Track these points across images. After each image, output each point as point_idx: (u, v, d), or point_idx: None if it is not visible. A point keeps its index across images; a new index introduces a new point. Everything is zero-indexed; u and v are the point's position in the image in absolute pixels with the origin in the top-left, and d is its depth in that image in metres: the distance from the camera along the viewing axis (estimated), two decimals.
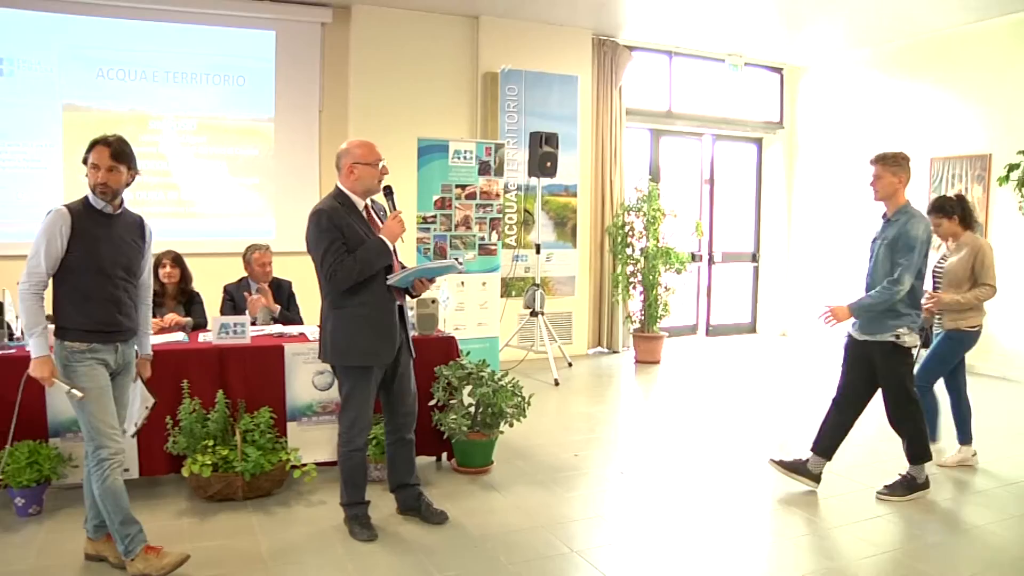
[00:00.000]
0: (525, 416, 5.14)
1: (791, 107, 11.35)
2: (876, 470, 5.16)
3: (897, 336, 4.53)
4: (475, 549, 3.97)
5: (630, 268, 9.53)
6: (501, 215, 7.48)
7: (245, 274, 5.89)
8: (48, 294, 3.46)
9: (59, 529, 4.08)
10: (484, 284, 7.28)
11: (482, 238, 7.25)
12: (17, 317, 4.76)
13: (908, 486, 4.74)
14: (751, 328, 11.80)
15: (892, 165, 4.64)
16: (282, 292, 5.91)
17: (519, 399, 5.10)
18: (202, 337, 5.00)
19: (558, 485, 4.92)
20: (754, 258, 11.70)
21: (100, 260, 3.45)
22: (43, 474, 4.20)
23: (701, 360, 9.64)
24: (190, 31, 8.11)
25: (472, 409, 5.05)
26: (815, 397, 7.15)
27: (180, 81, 8.14)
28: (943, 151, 9.13)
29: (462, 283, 7.10)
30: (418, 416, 4.40)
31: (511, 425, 5.13)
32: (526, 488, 4.87)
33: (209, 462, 4.38)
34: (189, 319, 5.46)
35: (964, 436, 5.43)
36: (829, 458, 4.88)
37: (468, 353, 5.30)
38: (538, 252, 8.51)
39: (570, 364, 8.83)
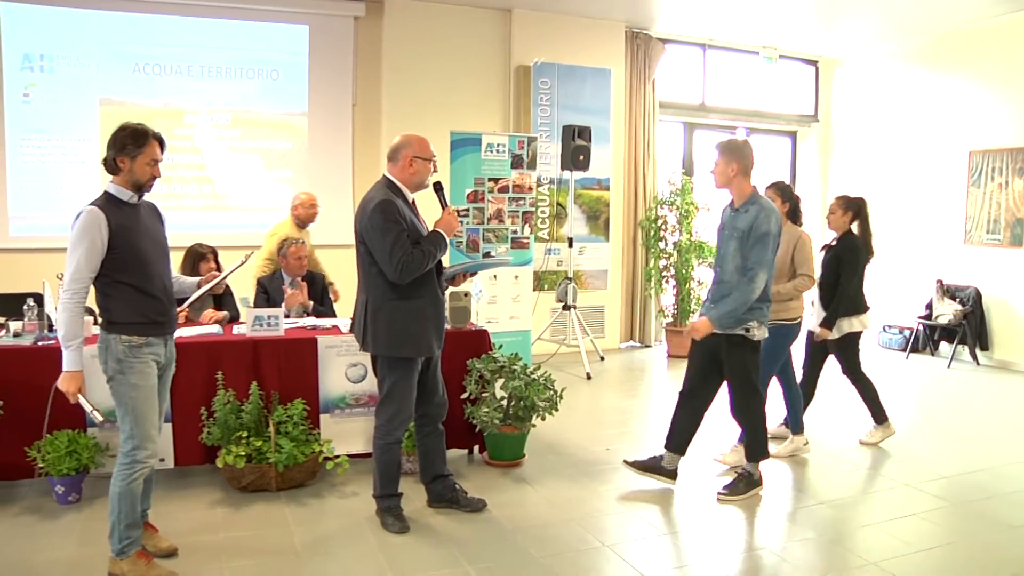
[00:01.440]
0: (557, 410, 5.13)
1: (826, 100, 11.20)
2: (910, 467, 5.10)
3: (747, 330, 4.40)
4: (506, 542, 3.97)
5: (663, 262, 9.48)
6: (534, 208, 7.47)
7: (279, 267, 5.92)
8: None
9: (98, 516, 4.12)
10: (516, 278, 7.27)
11: (515, 231, 7.24)
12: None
13: (747, 483, 4.63)
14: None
15: (724, 152, 4.43)
16: (316, 285, 5.94)
17: (551, 393, 5.09)
18: (236, 329, 5.04)
19: (590, 479, 4.90)
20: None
21: (143, 252, 3.41)
22: (82, 463, 4.27)
23: None
24: (224, 26, 8.17)
25: (504, 402, 5.05)
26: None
27: (215, 75, 8.21)
28: (982, 144, 8.98)
29: (494, 276, 7.09)
30: (450, 409, 4.42)
31: (543, 419, 5.12)
32: (558, 481, 4.86)
33: (243, 453, 4.41)
34: (225, 313, 5.50)
35: (796, 426, 5.40)
36: (683, 453, 4.78)
37: (500, 346, 5.29)
38: (571, 246, 8.48)
39: (602, 358, 8.79)
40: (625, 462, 4.85)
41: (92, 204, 3.37)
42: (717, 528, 4.24)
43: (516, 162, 7.26)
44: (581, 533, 4.10)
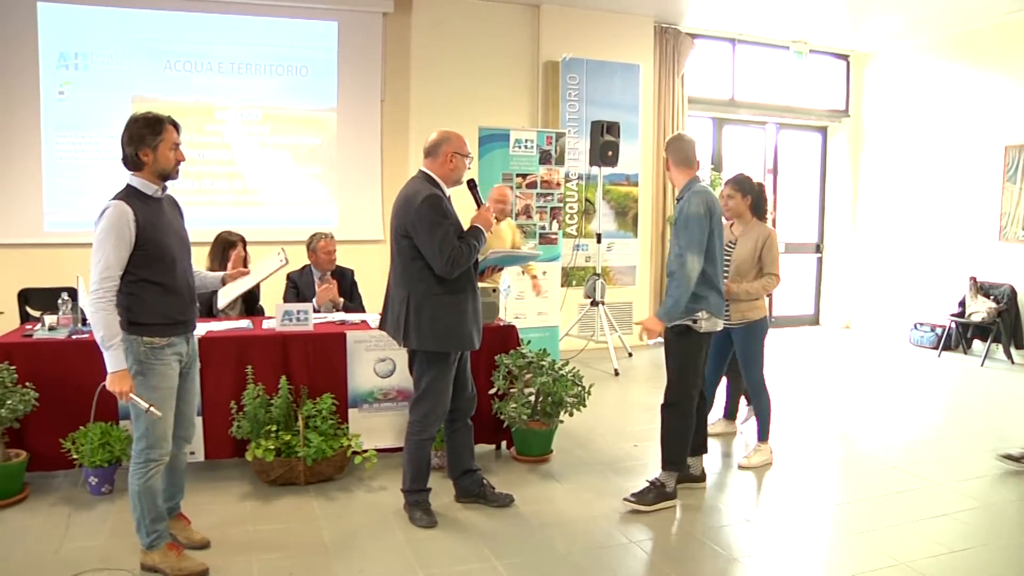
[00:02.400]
0: (585, 406, 5.12)
1: (857, 95, 11.08)
2: (941, 466, 5.04)
3: (694, 320, 4.22)
4: (534, 537, 3.97)
5: None
6: (562, 204, 7.45)
7: (308, 262, 5.95)
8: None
9: (130, 508, 4.18)
10: (545, 273, 7.27)
11: (543, 227, 7.23)
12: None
13: (657, 494, 4.34)
14: (814, 320, 11.60)
15: (667, 151, 4.44)
16: (345, 280, 5.97)
17: (579, 388, 5.08)
18: (266, 324, 5.07)
19: (617, 475, 4.89)
20: (818, 249, 11.49)
21: (169, 249, 3.38)
22: (114, 455, 4.32)
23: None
24: (254, 23, 8.23)
25: (532, 398, 5.04)
26: (877, 389, 7.01)
27: (244, 72, 8.27)
28: (1018, 139, 8.84)
29: (522, 272, 7.09)
30: (478, 404, 4.43)
31: (571, 414, 5.11)
32: (585, 478, 4.85)
33: (272, 447, 4.45)
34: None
35: (764, 434, 5.20)
36: (704, 452, 4.69)
37: (528, 342, 5.29)
38: (599, 241, 8.46)
39: (630, 354, 8.76)
40: (625, 499, 4.42)
41: (116, 198, 3.30)
42: (744, 525, 4.21)
43: (544, 158, 7.25)
44: (608, 529, 4.09)
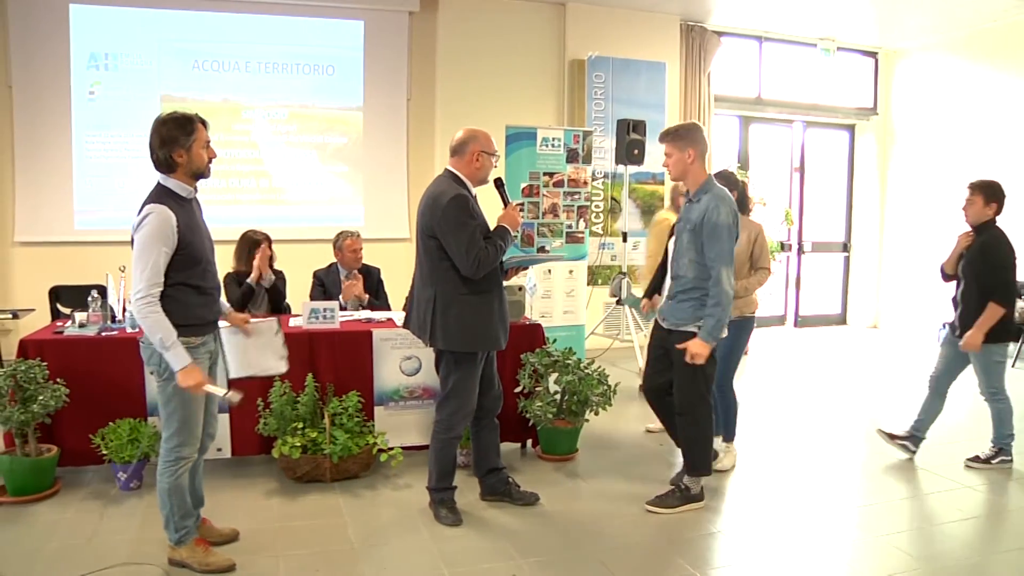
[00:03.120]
0: (611, 404, 5.10)
1: (886, 93, 10.97)
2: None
3: (700, 327, 4.05)
4: (559, 536, 3.96)
5: None
6: (588, 203, 7.43)
7: (334, 260, 5.98)
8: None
9: (158, 503, 4.21)
10: (571, 272, 7.24)
11: (569, 226, 7.20)
12: (121, 300, 4.94)
13: (683, 496, 4.29)
14: (841, 319, 11.50)
15: (677, 140, 4.10)
16: (371, 278, 5.99)
17: (605, 387, 5.07)
18: (292, 322, 5.10)
19: (643, 474, 4.86)
20: (845, 248, 11.39)
21: (203, 251, 3.38)
22: (143, 451, 4.36)
23: (789, 351, 9.43)
24: (281, 22, 8.28)
25: (558, 396, 5.04)
26: (905, 390, 6.93)
27: (271, 71, 8.33)
28: None
29: (548, 271, 7.08)
30: (503, 402, 4.41)
31: (596, 413, 5.09)
32: (610, 477, 4.83)
33: (298, 444, 4.47)
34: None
35: (730, 434, 5.07)
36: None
37: (554, 341, 5.28)
38: (625, 240, 8.41)
39: None
40: (647, 506, 4.34)
41: (156, 202, 3.25)
42: (770, 525, 4.17)
43: (571, 156, 7.22)
44: (634, 529, 4.08)
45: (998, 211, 4.92)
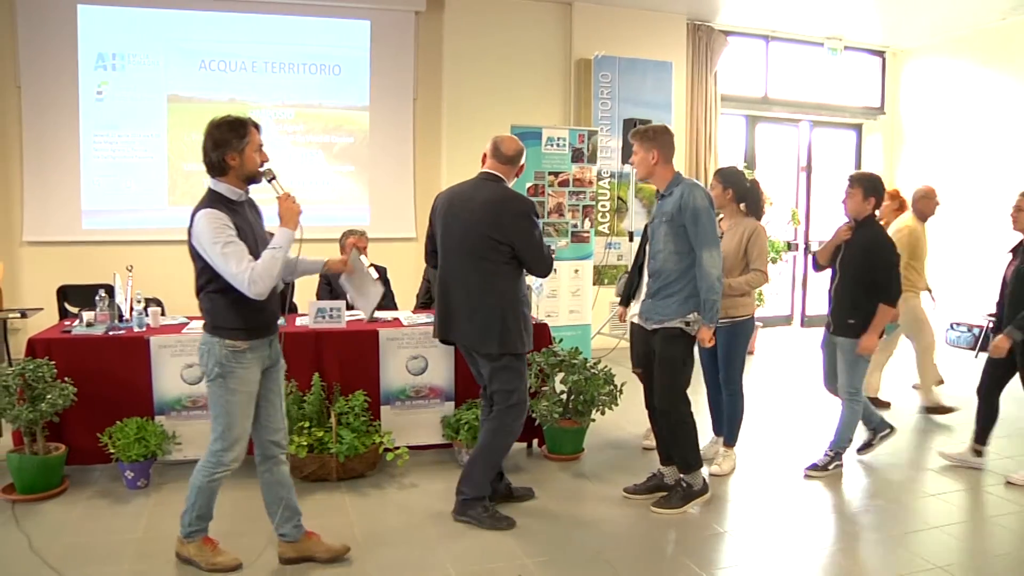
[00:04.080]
0: (617, 404, 5.10)
1: (893, 92, 10.94)
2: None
3: (687, 323, 4.09)
4: (564, 536, 3.96)
5: None
6: (594, 203, 7.43)
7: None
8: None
9: (165, 502, 4.24)
10: (576, 272, 7.25)
11: (575, 225, 7.21)
12: (129, 299, 4.96)
13: (684, 495, 4.29)
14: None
15: (644, 140, 4.15)
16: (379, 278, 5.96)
17: (611, 387, 5.06)
18: (299, 321, 5.11)
19: (648, 474, 4.85)
20: None
21: (254, 255, 3.26)
22: (150, 450, 4.37)
23: (795, 350, 9.41)
24: (287, 22, 8.30)
25: (564, 396, 5.04)
26: (911, 391, 6.91)
27: (278, 71, 8.34)
28: None
29: (555, 270, 7.08)
30: None
31: (602, 413, 5.09)
32: (617, 476, 4.82)
33: (305, 443, 4.48)
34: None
35: (732, 438, 5.05)
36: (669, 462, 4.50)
37: (560, 340, 5.28)
38: (631, 240, 8.43)
39: None
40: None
41: (207, 207, 3.21)
42: (775, 527, 4.17)
43: (577, 156, 7.23)
44: (639, 528, 4.08)
45: (877, 205, 4.82)
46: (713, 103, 9.69)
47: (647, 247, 4.41)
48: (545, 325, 5.25)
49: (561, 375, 5.03)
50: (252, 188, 3.45)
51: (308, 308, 5.02)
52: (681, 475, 4.32)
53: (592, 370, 5.04)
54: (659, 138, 4.18)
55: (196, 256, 3.27)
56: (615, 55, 8.85)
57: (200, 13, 8.02)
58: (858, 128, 11.25)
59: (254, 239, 3.33)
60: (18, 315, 6.15)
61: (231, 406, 3.32)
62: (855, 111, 10.95)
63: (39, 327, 5.29)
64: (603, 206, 8.75)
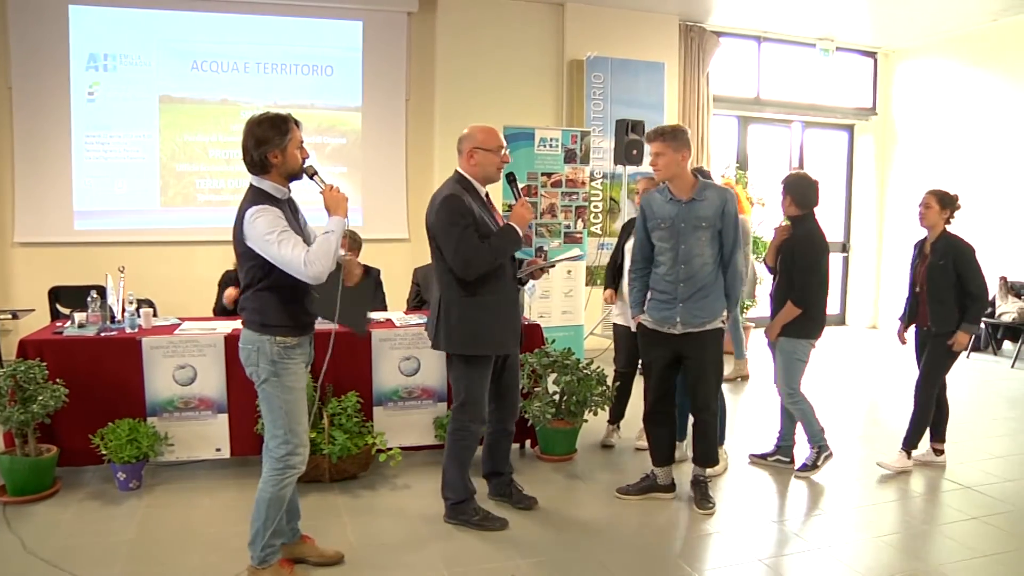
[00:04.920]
0: (609, 404, 5.11)
1: (885, 93, 10.98)
2: (971, 469, 4.98)
3: (723, 320, 4.26)
4: (558, 536, 3.97)
5: None
6: (587, 203, 7.44)
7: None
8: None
9: (157, 503, 4.23)
10: (569, 272, 7.25)
11: (567, 226, 7.22)
12: (121, 300, 4.95)
13: (706, 492, 4.40)
14: (840, 320, 11.51)
15: (673, 140, 4.12)
16: (370, 279, 5.92)
17: (603, 388, 5.07)
18: None
19: (641, 474, 4.85)
20: (844, 248, 11.40)
21: None
22: (142, 451, 4.36)
23: None
24: (280, 23, 8.29)
25: (556, 397, 5.04)
26: (904, 391, 6.94)
27: (270, 71, 8.33)
28: None
29: (547, 271, 7.10)
30: None
31: (595, 414, 5.10)
32: (609, 476, 4.84)
33: None
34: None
35: (722, 436, 5.08)
36: (672, 462, 4.54)
37: (553, 341, 5.29)
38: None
39: None
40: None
41: (256, 203, 3.17)
42: (769, 526, 4.19)
43: (569, 156, 7.24)
44: (632, 528, 4.09)
45: (807, 207, 4.80)
46: (705, 104, 9.71)
47: (626, 246, 4.44)
48: (537, 326, 5.26)
49: (553, 376, 5.04)
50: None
51: None
52: (704, 470, 4.42)
53: (584, 371, 5.05)
54: (684, 138, 4.18)
55: (244, 254, 3.22)
56: (607, 56, 8.87)
57: (192, 14, 8.01)
58: (850, 129, 11.29)
59: (299, 235, 3.26)
60: (9, 316, 6.14)
61: (290, 404, 3.26)
62: (847, 112, 10.98)
63: (31, 328, 5.27)
64: (596, 207, 8.76)
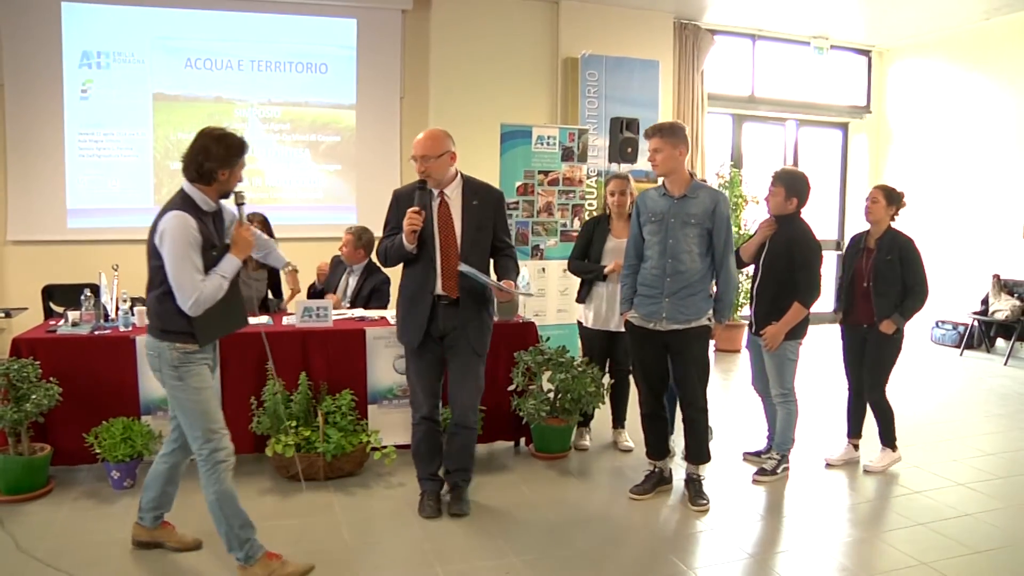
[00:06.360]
0: (604, 402, 5.11)
1: (879, 91, 11.01)
2: (963, 466, 4.99)
3: (709, 319, 4.25)
4: (551, 534, 3.97)
5: None
6: (583, 202, 7.43)
7: (339, 253, 5.97)
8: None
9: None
10: (564, 271, 7.23)
11: (564, 224, 7.22)
12: (114, 299, 4.94)
13: (700, 488, 4.40)
14: (834, 318, 11.49)
15: (671, 137, 4.15)
16: (370, 279, 5.87)
17: (597, 385, 5.07)
18: (286, 320, 5.10)
19: (635, 472, 4.85)
20: (838, 246, 11.40)
21: (208, 264, 3.26)
22: (136, 450, 4.35)
23: None
24: (274, 20, 8.29)
25: (551, 395, 5.05)
26: (897, 388, 6.95)
27: (264, 69, 8.32)
28: None
29: (543, 269, 7.09)
30: (497, 400, 4.52)
31: (590, 413, 5.10)
32: (603, 474, 4.84)
33: (292, 442, 4.46)
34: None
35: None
36: (671, 454, 4.62)
37: (548, 339, 5.28)
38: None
39: None
40: (631, 494, 4.46)
41: (174, 208, 3.19)
42: (766, 524, 4.20)
43: (567, 155, 7.23)
44: (626, 526, 4.09)
45: (799, 205, 4.74)
46: (700, 102, 9.72)
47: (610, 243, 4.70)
48: (532, 324, 5.25)
49: (548, 373, 5.04)
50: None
51: (295, 307, 5.00)
52: (697, 468, 4.41)
53: (579, 369, 5.05)
54: (682, 134, 4.21)
55: (152, 253, 3.24)
56: (602, 54, 8.87)
57: (186, 11, 8.00)
58: (844, 127, 11.31)
59: (212, 249, 3.29)
60: (2, 315, 6.12)
61: (201, 403, 3.29)
62: (841, 110, 11.01)
63: (24, 327, 5.26)
64: (591, 205, 8.74)
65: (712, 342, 4.42)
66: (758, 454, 5.11)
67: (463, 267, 3.92)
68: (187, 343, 3.27)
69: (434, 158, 3.96)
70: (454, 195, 4.05)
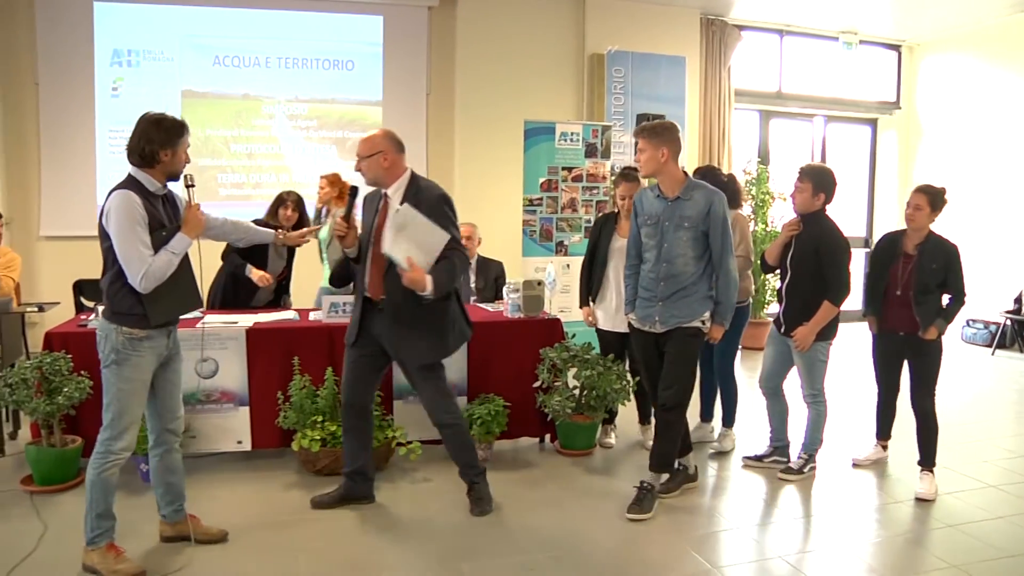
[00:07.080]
0: (630, 399, 5.10)
1: (909, 86, 10.88)
2: (996, 468, 4.94)
3: (703, 321, 4.13)
4: (576, 530, 3.96)
5: None
6: (608, 198, 7.42)
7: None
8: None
9: None
10: (568, 267, 7.24)
11: (588, 221, 7.20)
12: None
13: (684, 477, 4.49)
14: (862, 316, 11.39)
15: (653, 137, 4.09)
16: (491, 270, 5.93)
17: (623, 382, 5.06)
18: (312, 316, 5.13)
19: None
20: (867, 244, 11.29)
21: (158, 247, 3.33)
22: None
23: None
24: (301, 18, 8.34)
25: (576, 391, 5.04)
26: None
27: (292, 66, 8.38)
28: None
29: (567, 265, 7.08)
30: (522, 397, 4.55)
31: (615, 409, 5.09)
32: (629, 471, 4.82)
33: (318, 437, 4.50)
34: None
35: (731, 419, 5.33)
36: (690, 451, 4.56)
37: (573, 336, 5.28)
38: None
39: None
40: (660, 494, 4.34)
41: (122, 188, 3.31)
42: (793, 524, 4.17)
43: (590, 151, 7.23)
44: (651, 524, 4.08)
45: (827, 201, 4.65)
46: (727, 98, 9.66)
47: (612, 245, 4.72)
48: (557, 320, 5.25)
49: (574, 370, 5.03)
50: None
51: (320, 302, 5.03)
52: (658, 477, 4.29)
53: (604, 365, 5.04)
54: (667, 135, 4.14)
55: (103, 235, 3.33)
56: (628, 50, 8.84)
57: (214, 9, 8.07)
58: (873, 123, 11.19)
59: (161, 229, 3.35)
60: (35, 309, 6.19)
61: (123, 394, 3.33)
62: (870, 106, 10.89)
63: (56, 321, 5.32)
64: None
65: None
66: (759, 458, 5.02)
67: (386, 242, 3.75)
68: (135, 327, 3.31)
69: (365, 158, 3.98)
70: (395, 196, 3.99)
